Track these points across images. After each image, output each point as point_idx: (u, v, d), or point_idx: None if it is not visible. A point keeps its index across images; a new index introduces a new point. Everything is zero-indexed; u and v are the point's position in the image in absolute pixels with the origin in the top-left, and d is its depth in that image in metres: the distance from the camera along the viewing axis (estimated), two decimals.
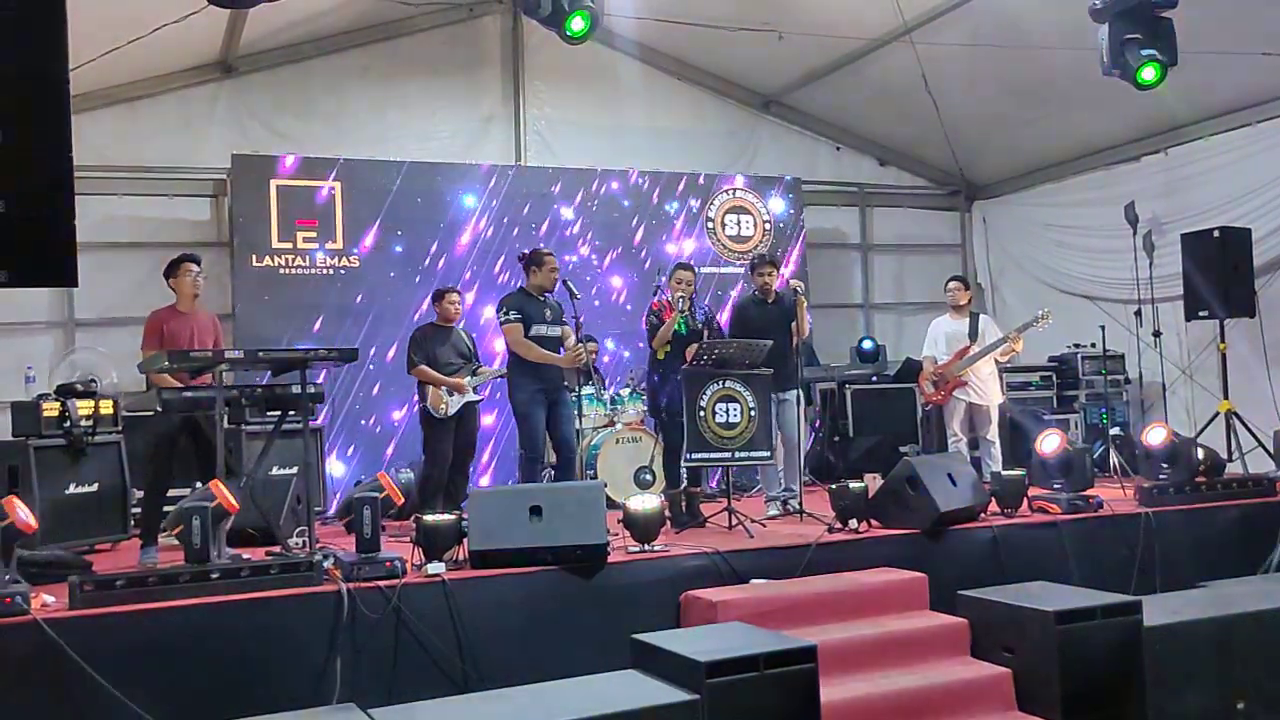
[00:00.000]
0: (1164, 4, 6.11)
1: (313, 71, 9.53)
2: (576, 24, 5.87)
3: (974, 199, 12.04)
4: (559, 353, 6.88)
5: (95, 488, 6.52)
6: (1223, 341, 8.39)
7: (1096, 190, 10.34)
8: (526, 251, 7.20)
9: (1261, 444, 7.93)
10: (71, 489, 6.41)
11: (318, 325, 8.78)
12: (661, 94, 10.69)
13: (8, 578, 4.38)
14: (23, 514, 4.47)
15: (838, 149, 11.59)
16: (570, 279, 7.07)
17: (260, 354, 5.49)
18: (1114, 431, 8.91)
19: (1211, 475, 7.17)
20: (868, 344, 10.62)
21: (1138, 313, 9.28)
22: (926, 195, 12.03)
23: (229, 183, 8.98)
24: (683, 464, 6.73)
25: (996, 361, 8.07)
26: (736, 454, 6.56)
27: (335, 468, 8.65)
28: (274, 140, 9.25)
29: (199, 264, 6.30)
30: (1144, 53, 6.22)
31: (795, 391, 7.13)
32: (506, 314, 6.86)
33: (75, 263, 3.38)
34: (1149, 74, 6.36)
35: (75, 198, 3.39)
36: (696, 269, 7.54)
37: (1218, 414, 8.27)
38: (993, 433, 7.86)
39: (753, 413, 6.57)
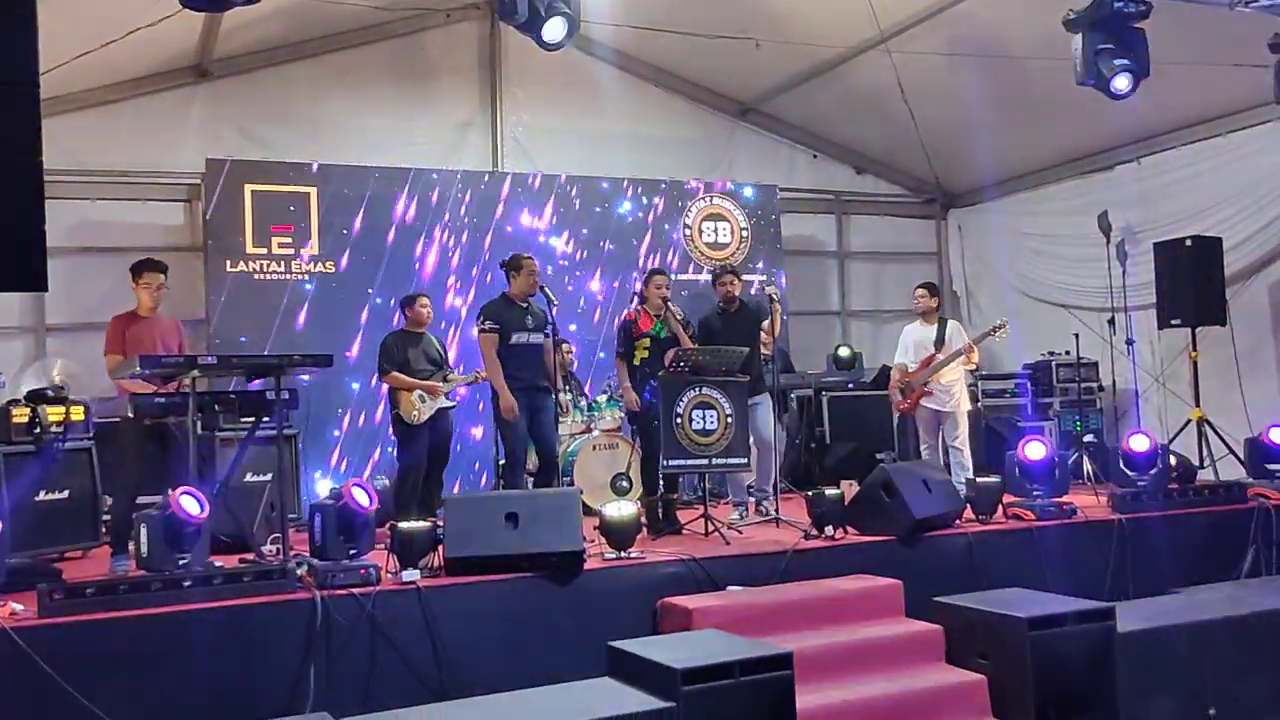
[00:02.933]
0: (1136, 15, 6.17)
1: (288, 76, 9.48)
2: (553, 30, 5.85)
3: (949, 207, 12.11)
4: (539, 359, 6.84)
5: (66, 495, 6.44)
6: (1194, 349, 8.46)
7: (1070, 199, 10.43)
8: (507, 258, 7.18)
9: (1233, 451, 8.01)
10: (41, 496, 6.34)
11: (293, 331, 8.71)
12: (639, 101, 10.70)
13: None
14: None
15: (814, 157, 11.64)
16: (547, 285, 7.04)
17: (234, 359, 5.46)
18: (1088, 439, 8.97)
19: (1183, 482, 7.23)
20: (844, 351, 10.65)
21: (1111, 321, 9.36)
22: (903, 203, 12.10)
23: (203, 187, 8.92)
24: (660, 470, 6.72)
25: (972, 370, 8.08)
26: (714, 460, 6.55)
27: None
28: (249, 145, 9.19)
29: (165, 274, 6.20)
30: (1117, 63, 6.29)
31: (765, 396, 7.14)
32: (483, 324, 6.82)
33: (45, 267, 3.33)
34: (1121, 84, 6.42)
35: (46, 202, 3.34)
36: (673, 275, 7.58)
37: (1189, 421, 8.35)
38: (961, 440, 7.80)
39: (729, 419, 6.57)
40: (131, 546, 5.76)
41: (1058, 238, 10.55)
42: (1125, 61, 6.29)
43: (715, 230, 10.39)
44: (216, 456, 7.06)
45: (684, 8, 9.22)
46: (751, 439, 6.89)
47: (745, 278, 8.05)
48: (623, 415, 8.21)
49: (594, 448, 8.23)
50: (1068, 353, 9.70)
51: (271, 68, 9.42)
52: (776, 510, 6.80)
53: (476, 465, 9.09)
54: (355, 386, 8.86)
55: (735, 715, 4.16)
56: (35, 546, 6.01)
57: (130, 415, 5.55)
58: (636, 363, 7.09)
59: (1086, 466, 7.98)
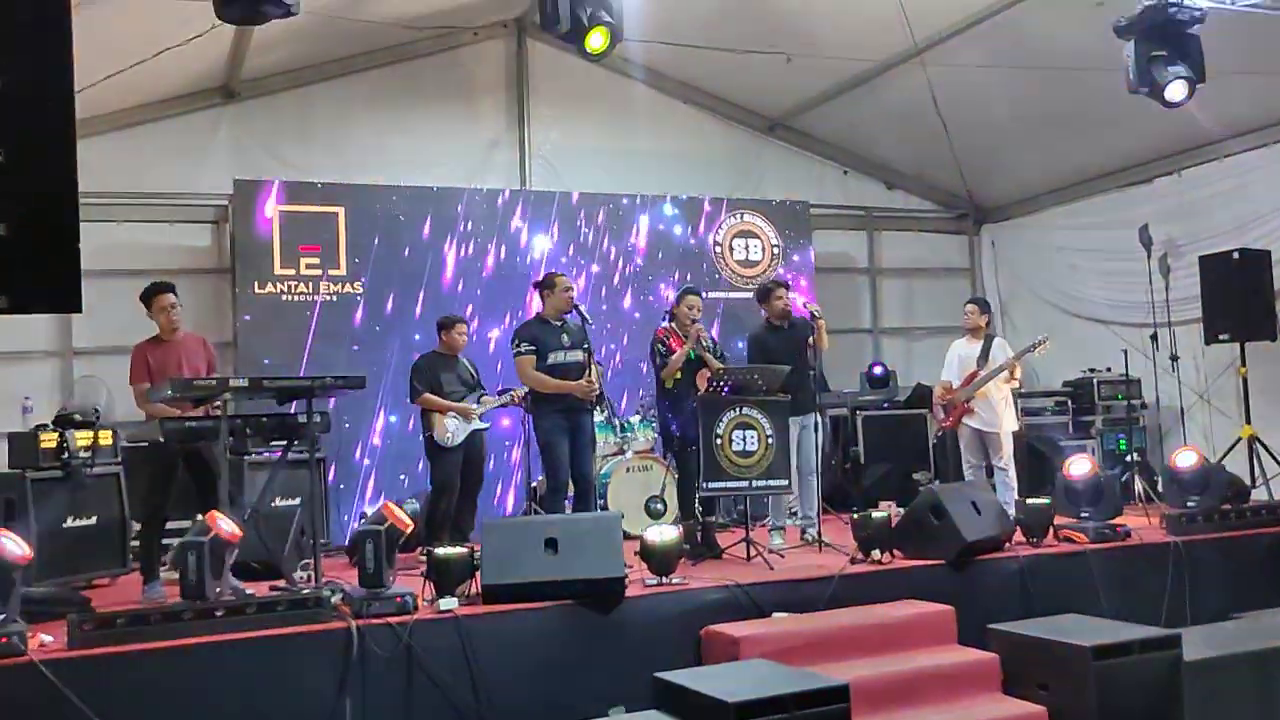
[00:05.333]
0: (1191, 20, 5.99)
1: (315, 97, 9.40)
2: (596, 40, 5.76)
3: (982, 222, 11.91)
4: (579, 378, 6.64)
5: (94, 520, 6.36)
6: (1243, 365, 8.25)
7: (1108, 213, 10.19)
8: (539, 278, 7.05)
9: None
10: (69, 522, 6.24)
11: (321, 353, 8.59)
12: (667, 117, 10.57)
13: (4, 616, 4.20)
14: (15, 547, 4.31)
15: (845, 172, 11.48)
16: (579, 303, 6.91)
17: (265, 382, 5.34)
18: (1131, 458, 8.75)
19: (1236, 502, 7.02)
20: (878, 369, 10.47)
21: (1153, 336, 9.14)
22: (934, 219, 11.92)
23: (230, 209, 8.83)
24: (698, 493, 6.55)
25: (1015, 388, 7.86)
26: (754, 483, 6.38)
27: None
28: (276, 166, 9.09)
29: (174, 292, 6.03)
30: (1171, 70, 6.09)
31: (814, 416, 6.98)
32: (519, 346, 6.67)
33: (79, 288, 3.23)
34: (1177, 91, 6.21)
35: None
36: (704, 294, 7.45)
37: (1240, 439, 8.12)
38: (1005, 460, 7.59)
39: (770, 440, 6.40)
40: (164, 573, 5.70)
41: (1095, 252, 10.32)
42: (1180, 68, 6.08)
43: (746, 247, 10.24)
44: (244, 481, 6.95)
45: (714, 23, 9.08)
46: (796, 463, 6.72)
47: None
48: (656, 435, 8.06)
49: (627, 470, 8.08)
50: (1109, 369, 9.48)
51: (299, 88, 9.34)
52: (819, 536, 6.62)
53: (497, 491, 8.92)
54: (392, 420, 8.70)
55: None
56: (63, 574, 5.91)
57: (161, 439, 5.43)
58: (669, 385, 6.93)
59: (1138, 486, 7.76)
